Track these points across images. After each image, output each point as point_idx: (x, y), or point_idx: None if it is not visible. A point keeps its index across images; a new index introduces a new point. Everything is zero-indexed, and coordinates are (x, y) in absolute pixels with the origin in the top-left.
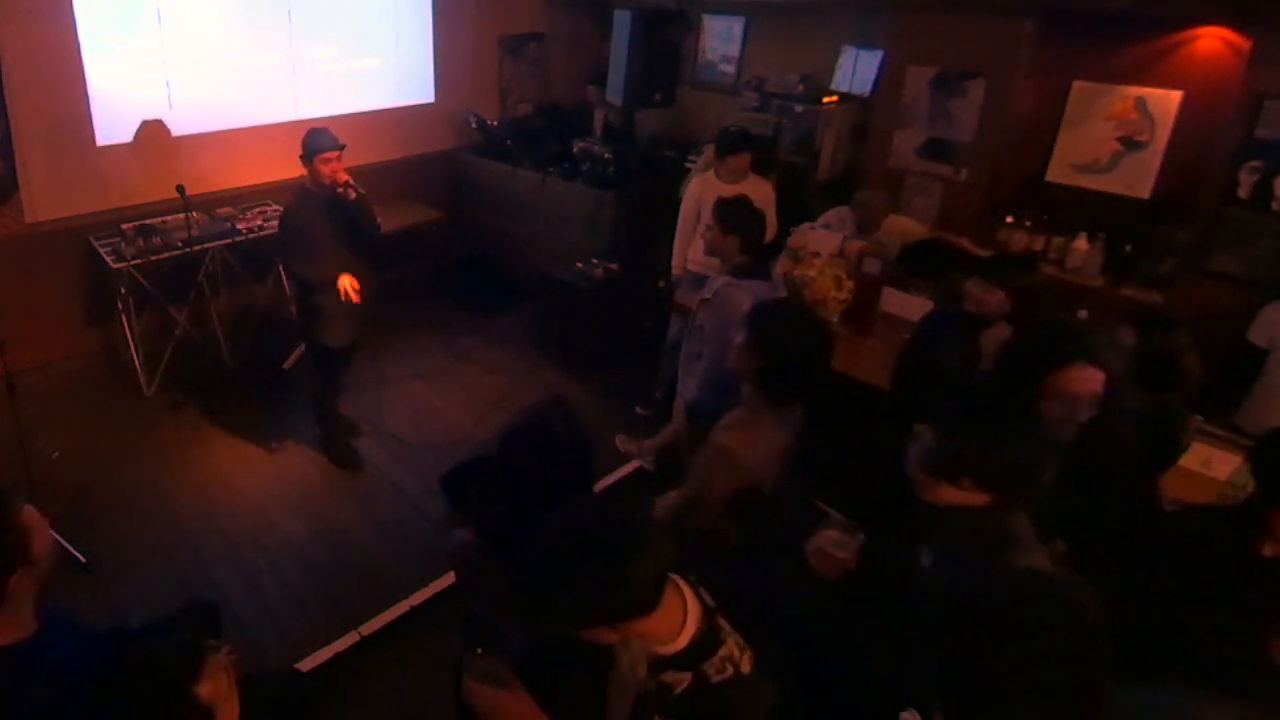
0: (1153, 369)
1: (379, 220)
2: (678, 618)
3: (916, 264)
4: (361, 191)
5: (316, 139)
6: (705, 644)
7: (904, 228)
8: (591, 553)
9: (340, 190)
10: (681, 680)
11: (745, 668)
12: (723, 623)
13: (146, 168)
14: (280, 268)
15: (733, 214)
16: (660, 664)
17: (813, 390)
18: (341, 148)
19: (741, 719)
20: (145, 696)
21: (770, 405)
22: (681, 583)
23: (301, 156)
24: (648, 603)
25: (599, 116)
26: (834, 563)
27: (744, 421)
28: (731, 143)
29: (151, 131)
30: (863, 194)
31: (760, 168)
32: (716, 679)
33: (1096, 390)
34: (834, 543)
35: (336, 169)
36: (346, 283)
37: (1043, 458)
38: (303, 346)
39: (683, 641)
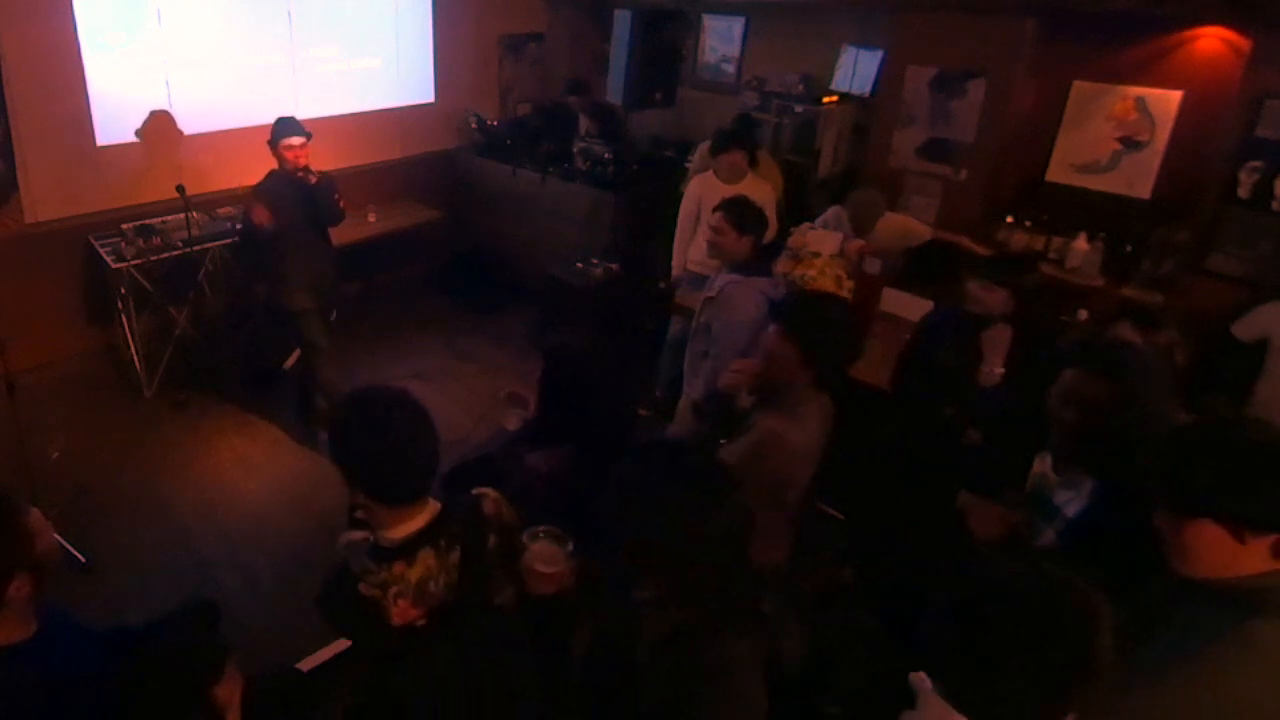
0: None
1: (343, 205)
2: (401, 525)
3: (924, 269)
4: (322, 175)
5: (282, 126)
6: (386, 555)
7: (901, 226)
8: (380, 433)
9: (300, 174)
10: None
11: (399, 606)
12: (415, 570)
13: (146, 168)
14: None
15: (745, 216)
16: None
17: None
18: (306, 136)
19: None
20: (165, 691)
21: (818, 392)
22: (431, 511)
23: (269, 141)
24: (383, 490)
25: (583, 122)
26: (545, 579)
27: (789, 409)
28: (723, 141)
29: (152, 131)
30: (857, 194)
31: (745, 144)
32: (364, 591)
33: (1091, 398)
34: (541, 559)
35: (299, 155)
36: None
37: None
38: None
39: (385, 541)
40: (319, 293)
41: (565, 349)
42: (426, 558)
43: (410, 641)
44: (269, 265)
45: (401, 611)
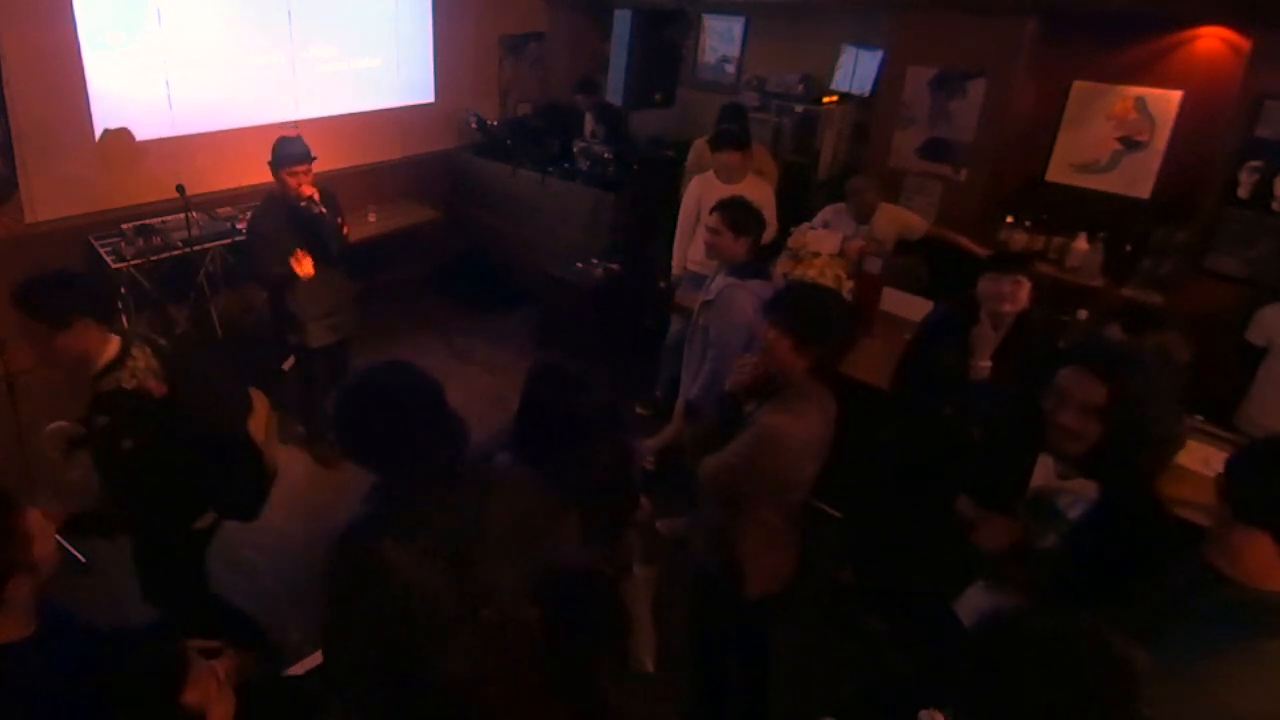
0: None
1: (347, 231)
2: (109, 346)
3: (940, 276)
4: (326, 196)
5: (285, 150)
6: (118, 362)
7: (900, 218)
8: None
9: (304, 204)
10: (108, 384)
11: (150, 384)
12: (139, 361)
13: (146, 168)
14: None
15: (741, 217)
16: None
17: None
18: (311, 160)
19: (134, 422)
20: (135, 712)
21: (817, 385)
22: (116, 341)
23: (270, 163)
24: (102, 312)
25: (589, 121)
26: None
27: (790, 404)
28: (719, 141)
29: (151, 131)
30: (856, 180)
31: (741, 144)
32: (130, 385)
33: (1086, 399)
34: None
35: (303, 181)
36: (294, 264)
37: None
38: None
39: (107, 360)
40: (337, 321)
41: (550, 374)
42: (137, 352)
43: (169, 403)
44: (279, 289)
45: (156, 386)
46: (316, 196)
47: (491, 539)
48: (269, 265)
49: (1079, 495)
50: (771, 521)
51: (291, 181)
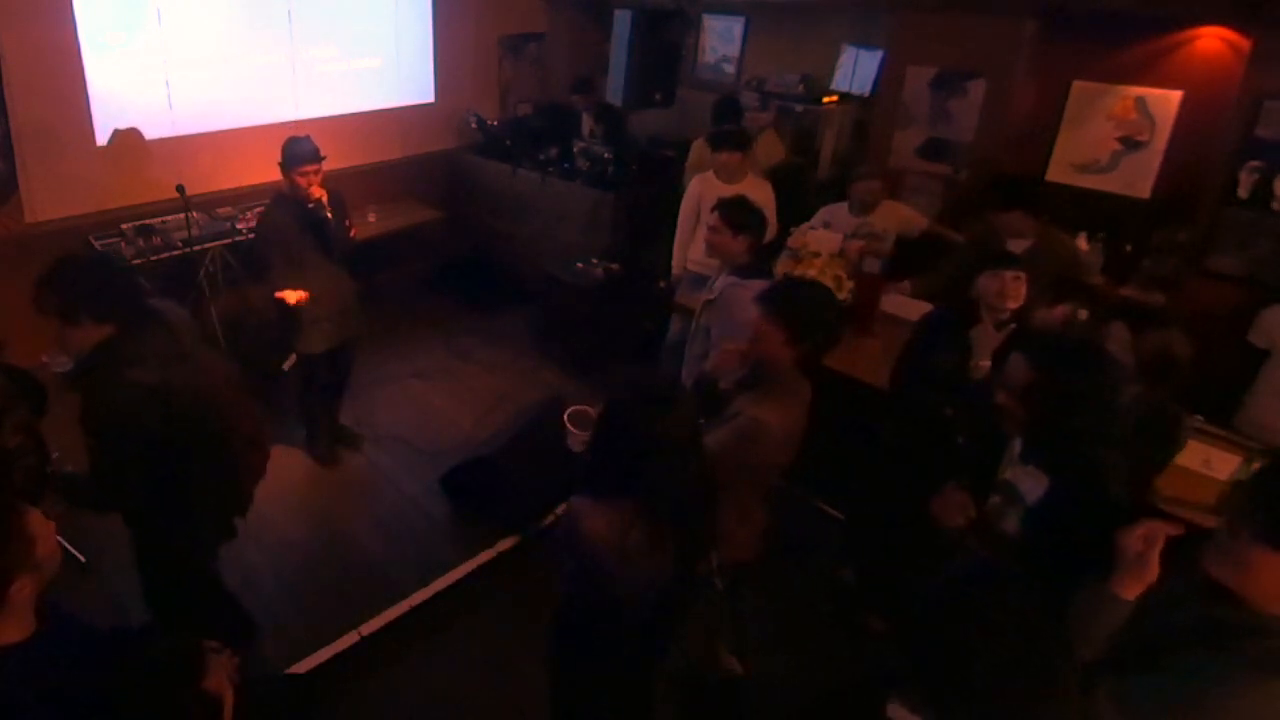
0: (1145, 364)
1: (355, 233)
2: None
3: (1010, 197)
4: (333, 196)
5: (295, 149)
6: None
7: (900, 213)
8: None
9: (311, 206)
10: None
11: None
12: None
13: (146, 168)
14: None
15: (740, 215)
16: None
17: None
18: (320, 161)
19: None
20: (162, 698)
21: (801, 377)
22: None
23: (280, 164)
24: None
25: (586, 121)
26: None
27: (774, 395)
28: (719, 140)
29: (151, 131)
30: (863, 169)
31: (740, 145)
32: None
33: (1016, 381)
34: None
35: (313, 182)
36: (289, 295)
37: None
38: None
39: None
40: (340, 324)
41: (625, 392)
42: None
43: None
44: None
45: None
46: (325, 199)
47: (194, 344)
48: (277, 270)
49: (1036, 481)
50: (745, 499)
51: (301, 182)
